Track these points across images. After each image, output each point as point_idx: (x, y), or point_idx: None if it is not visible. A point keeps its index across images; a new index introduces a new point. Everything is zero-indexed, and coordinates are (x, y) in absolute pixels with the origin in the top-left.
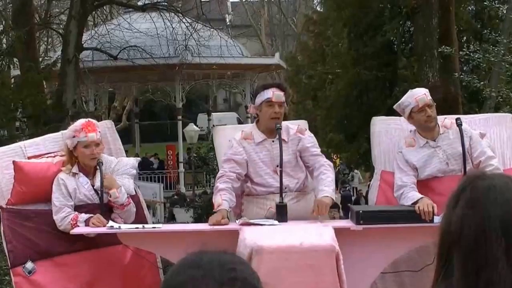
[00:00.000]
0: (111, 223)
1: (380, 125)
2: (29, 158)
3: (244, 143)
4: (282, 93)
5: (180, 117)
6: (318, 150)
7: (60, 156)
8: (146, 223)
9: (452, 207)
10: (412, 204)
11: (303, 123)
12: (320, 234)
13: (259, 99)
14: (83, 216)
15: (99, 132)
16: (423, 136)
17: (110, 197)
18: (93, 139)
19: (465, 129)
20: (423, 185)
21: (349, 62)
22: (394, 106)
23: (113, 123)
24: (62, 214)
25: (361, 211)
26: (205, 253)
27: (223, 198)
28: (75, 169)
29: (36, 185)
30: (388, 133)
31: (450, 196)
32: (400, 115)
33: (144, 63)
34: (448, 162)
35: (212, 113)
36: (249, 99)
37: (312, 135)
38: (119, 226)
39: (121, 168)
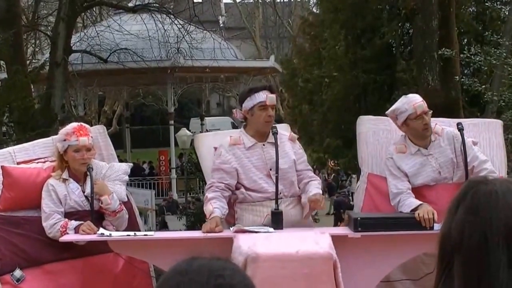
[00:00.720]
0: (101, 230)
1: (367, 125)
2: (18, 163)
3: (234, 149)
4: (274, 96)
5: (172, 121)
6: (307, 165)
7: (51, 162)
8: (139, 230)
9: (453, 213)
10: (411, 211)
11: (285, 127)
12: (317, 241)
13: (250, 102)
14: (73, 223)
15: (91, 137)
16: (415, 143)
17: (102, 204)
18: (84, 143)
19: (454, 135)
20: (415, 192)
21: (346, 65)
22: (387, 112)
23: (105, 128)
24: (52, 221)
25: (359, 218)
26: (196, 259)
27: (214, 206)
28: (65, 175)
29: (25, 191)
30: (376, 134)
31: (451, 202)
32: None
33: (135, 66)
34: (441, 170)
35: (205, 118)
36: None
37: (301, 148)
38: (110, 234)
39: (113, 174)
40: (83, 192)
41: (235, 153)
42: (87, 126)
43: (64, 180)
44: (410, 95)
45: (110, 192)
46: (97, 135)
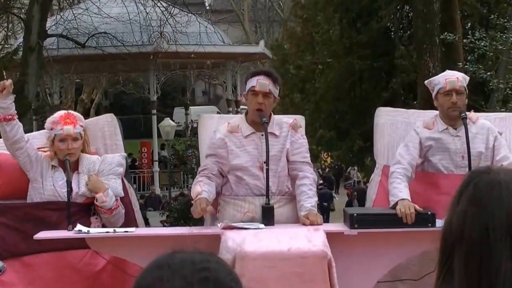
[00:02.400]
0: (79, 226)
1: (385, 117)
2: None
3: (230, 137)
4: (267, 82)
5: (154, 111)
6: (308, 157)
7: (44, 151)
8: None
9: (455, 205)
10: (391, 207)
11: (300, 119)
12: (310, 239)
13: (247, 87)
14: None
15: (81, 126)
16: (444, 122)
17: (97, 201)
18: (69, 132)
19: (491, 128)
20: (428, 181)
21: (340, 50)
22: (426, 81)
23: (114, 117)
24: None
25: (355, 214)
26: (178, 253)
27: (202, 189)
28: (55, 162)
29: (10, 178)
30: (393, 126)
31: (454, 193)
32: (403, 107)
33: (114, 52)
34: (464, 155)
35: (190, 107)
36: (231, 91)
37: (305, 136)
38: (88, 231)
39: (106, 167)
40: (68, 182)
41: (231, 140)
42: (75, 114)
43: (53, 167)
44: (451, 71)
45: (105, 188)
46: (103, 124)
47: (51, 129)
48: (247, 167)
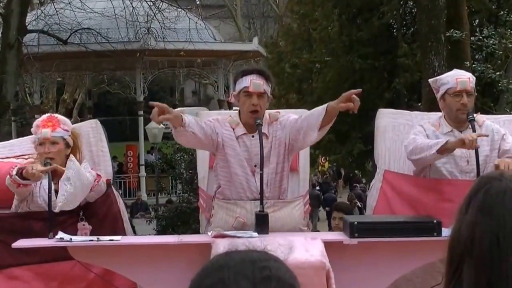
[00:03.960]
0: (60, 234)
1: (387, 119)
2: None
3: (228, 129)
4: (261, 82)
5: (141, 112)
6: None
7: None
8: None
9: (463, 213)
10: (441, 148)
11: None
12: (307, 248)
13: (237, 87)
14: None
15: (64, 130)
16: (450, 124)
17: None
18: (46, 135)
19: (495, 129)
20: (430, 188)
21: (340, 48)
22: (431, 80)
23: (98, 122)
24: None
25: (355, 222)
26: (234, 253)
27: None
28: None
29: None
30: (396, 128)
31: (462, 200)
32: (406, 109)
33: (99, 49)
34: (469, 159)
35: (179, 108)
36: (223, 92)
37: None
38: (70, 239)
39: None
40: (56, 191)
41: (230, 133)
42: (59, 117)
43: None
44: (460, 70)
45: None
46: (88, 130)
47: (36, 133)
48: (237, 170)
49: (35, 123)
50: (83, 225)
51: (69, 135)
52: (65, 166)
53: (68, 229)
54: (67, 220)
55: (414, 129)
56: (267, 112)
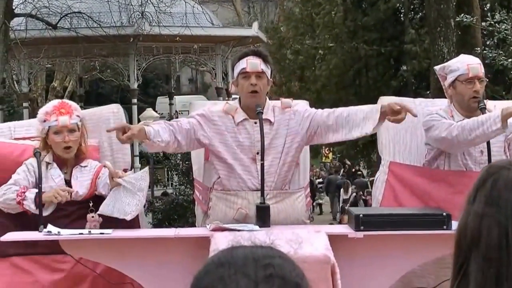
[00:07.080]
0: (49, 227)
1: None
2: (16, 139)
3: (224, 118)
4: (258, 61)
5: (135, 100)
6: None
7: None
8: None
9: (470, 204)
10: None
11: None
12: (311, 242)
13: (235, 71)
14: (33, 190)
15: (78, 116)
16: (461, 113)
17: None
18: (65, 123)
19: None
20: (443, 179)
21: (344, 34)
22: (437, 67)
23: (120, 107)
24: (5, 187)
25: (361, 215)
26: (237, 249)
27: (153, 127)
28: (48, 158)
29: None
30: None
31: (470, 191)
32: (412, 96)
33: (90, 34)
34: (483, 150)
35: (175, 96)
36: (221, 79)
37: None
38: (59, 232)
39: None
40: (66, 180)
41: (224, 122)
42: (71, 103)
43: (47, 164)
44: (467, 56)
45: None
46: (109, 115)
47: (44, 121)
48: (237, 158)
49: (43, 110)
50: (92, 217)
51: (81, 121)
52: (78, 153)
53: (77, 221)
54: (75, 212)
55: (429, 116)
56: (280, 99)
